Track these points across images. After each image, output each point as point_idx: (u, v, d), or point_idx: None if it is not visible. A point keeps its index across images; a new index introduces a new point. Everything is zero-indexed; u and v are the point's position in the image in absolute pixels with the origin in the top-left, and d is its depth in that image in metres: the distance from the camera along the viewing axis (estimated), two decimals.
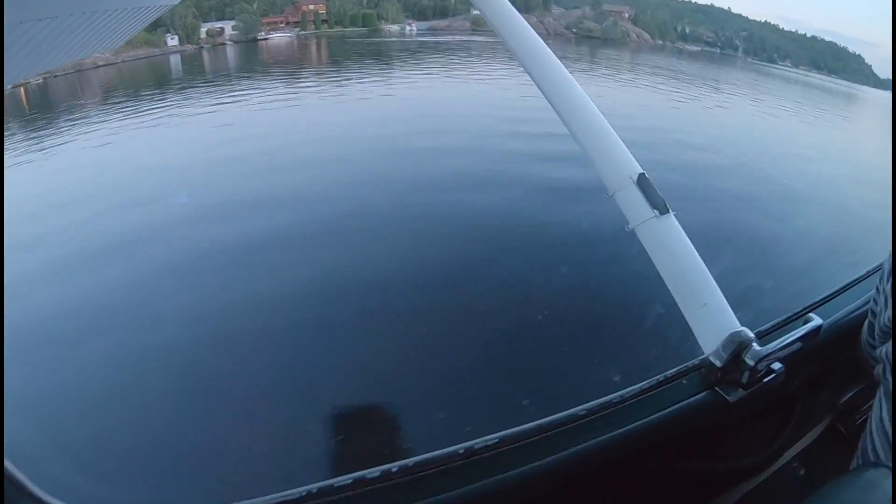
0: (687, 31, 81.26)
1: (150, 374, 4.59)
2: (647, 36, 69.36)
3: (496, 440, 1.01)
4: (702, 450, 1.24)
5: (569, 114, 1.87)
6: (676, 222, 1.73)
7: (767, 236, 8.35)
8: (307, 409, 4.20)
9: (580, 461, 1.02)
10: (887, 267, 1.03)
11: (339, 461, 3.74)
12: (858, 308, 1.45)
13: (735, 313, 1.42)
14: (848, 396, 1.54)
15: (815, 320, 1.26)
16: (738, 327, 1.66)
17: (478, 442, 1.01)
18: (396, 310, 5.33)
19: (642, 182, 1.76)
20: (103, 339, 4.88)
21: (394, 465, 0.98)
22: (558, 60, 1.93)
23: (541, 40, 1.98)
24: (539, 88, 1.91)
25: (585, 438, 1.03)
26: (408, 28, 57.35)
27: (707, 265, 1.64)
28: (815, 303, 1.53)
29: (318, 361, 4.73)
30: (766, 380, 1.15)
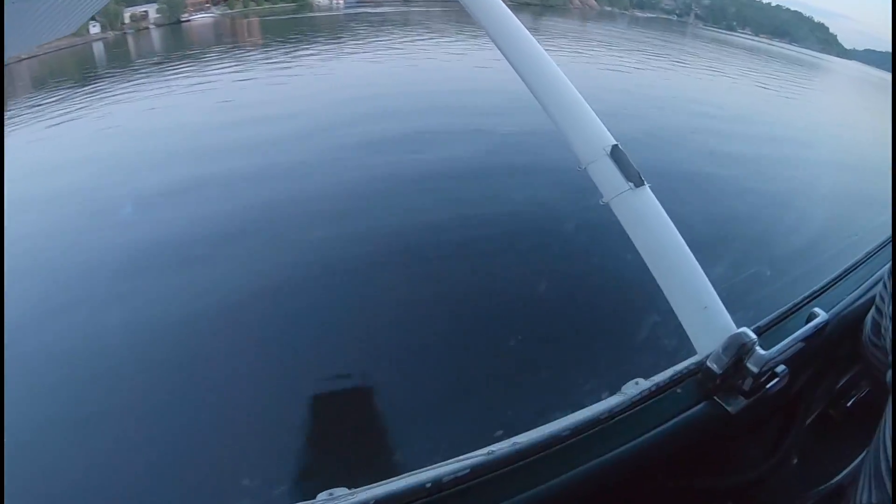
0: None
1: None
2: (592, 2, 67.84)
3: (467, 470, 0.90)
4: (701, 467, 1.12)
5: (538, 85, 1.79)
6: (652, 195, 1.66)
7: (752, 219, 8.24)
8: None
9: (565, 493, 0.89)
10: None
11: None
12: (860, 297, 1.34)
13: (726, 298, 1.32)
14: (842, 382, 1.44)
15: (821, 315, 1.16)
16: (723, 311, 1.59)
17: (446, 474, 0.89)
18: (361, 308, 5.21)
19: (616, 154, 1.69)
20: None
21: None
22: (527, 31, 1.86)
23: (509, 10, 1.90)
24: (507, 60, 1.83)
25: (570, 464, 0.91)
26: (335, 1, 55.09)
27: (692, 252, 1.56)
28: (815, 292, 1.41)
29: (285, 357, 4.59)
30: (769, 385, 1.04)
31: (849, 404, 1.39)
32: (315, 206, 7.44)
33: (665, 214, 1.64)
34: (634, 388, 2.89)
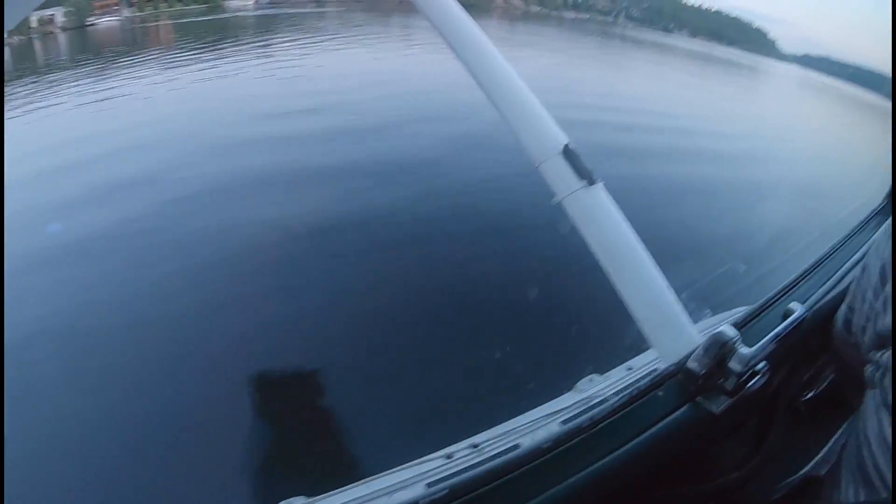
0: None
1: None
2: (516, 1, 67.92)
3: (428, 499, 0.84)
4: (688, 471, 1.11)
5: (489, 81, 1.78)
6: (606, 192, 1.67)
7: (707, 218, 8.39)
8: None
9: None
10: (875, 264, 0.94)
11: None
12: (831, 289, 1.37)
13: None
14: (808, 375, 1.47)
15: (798, 310, 1.17)
16: (674, 301, 1.60)
17: (407, 482, 0.83)
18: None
19: (568, 152, 1.69)
20: None
21: None
22: (476, 25, 1.84)
23: (459, 7, 1.87)
24: (455, 54, 1.81)
25: (553, 480, 0.87)
26: (245, 3, 53.34)
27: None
28: (787, 286, 1.44)
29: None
30: (750, 383, 1.04)
31: (811, 395, 1.42)
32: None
33: (618, 213, 1.65)
34: (589, 384, 2.91)
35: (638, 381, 1.12)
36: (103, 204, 7.28)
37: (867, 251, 1.46)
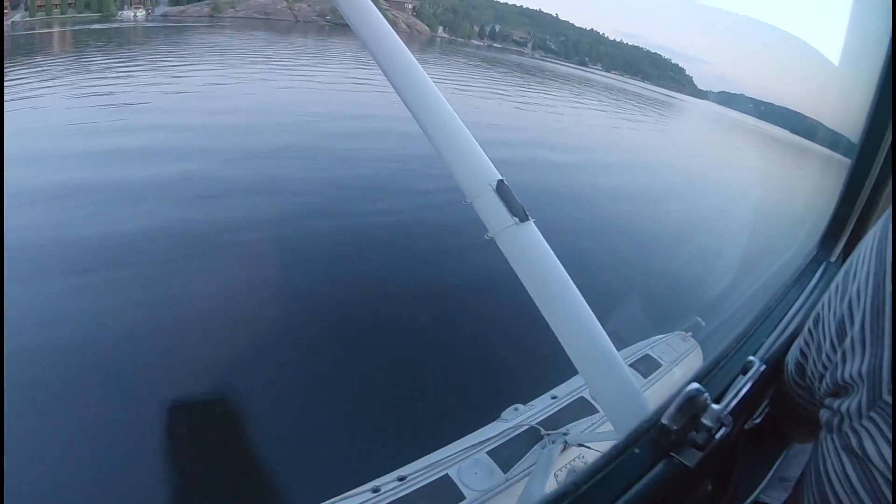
0: (497, 29, 79.41)
1: None
2: (422, 27, 66.79)
3: None
4: None
5: (426, 117, 1.80)
6: (536, 229, 1.71)
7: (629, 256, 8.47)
8: None
9: None
10: (829, 318, 1.01)
11: None
12: (778, 338, 1.42)
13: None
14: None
15: (756, 364, 1.20)
16: (601, 333, 1.66)
17: None
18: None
19: (501, 189, 1.71)
20: None
21: None
22: (417, 63, 1.86)
23: (400, 41, 1.90)
24: (395, 89, 1.82)
25: None
26: (137, 13, 51.15)
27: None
28: (740, 337, 1.50)
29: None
30: (717, 436, 1.06)
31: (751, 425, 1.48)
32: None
33: (549, 249, 1.69)
34: (514, 413, 2.94)
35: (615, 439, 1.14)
36: None
37: (813, 300, 1.57)
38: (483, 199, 1.71)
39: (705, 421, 1.03)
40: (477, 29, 76.92)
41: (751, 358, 1.21)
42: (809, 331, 1.06)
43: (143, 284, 5.50)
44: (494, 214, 1.69)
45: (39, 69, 19.38)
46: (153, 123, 11.59)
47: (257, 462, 3.56)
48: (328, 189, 8.70)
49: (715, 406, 1.03)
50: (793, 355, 1.14)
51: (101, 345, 4.58)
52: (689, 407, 1.03)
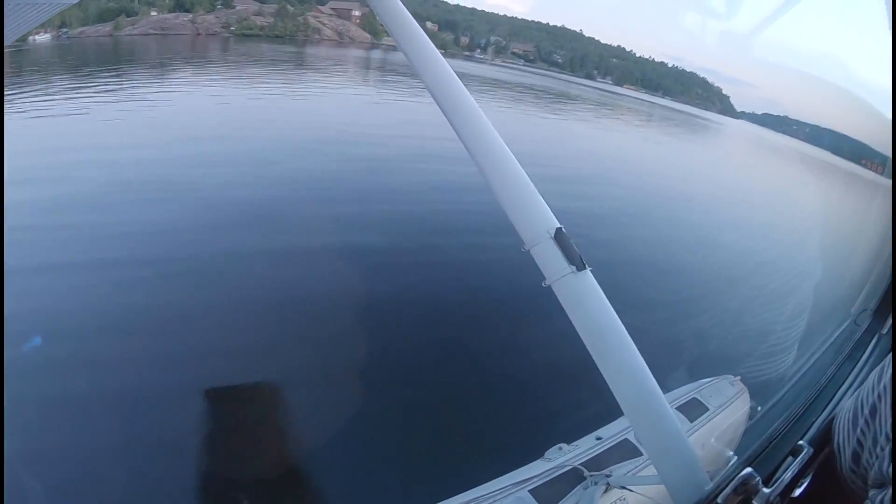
0: (490, 40, 73.04)
1: None
2: (358, 33, 57.46)
3: None
4: None
5: (488, 166, 1.83)
6: (593, 278, 1.73)
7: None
8: None
9: None
10: (886, 413, 1.03)
11: None
12: (825, 422, 1.43)
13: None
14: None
15: (805, 449, 1.26)
16: (654, 386, 1.67)
17: None
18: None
19: (559, 237, 1.74)
20: None
21: None
22: (478, 107, 1.90)
23: (462, 85, 1.94)
24: (458, 136, 1.87)
25: None
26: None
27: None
28: (790, 419, 1.52)
29: None
30: None
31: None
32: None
33: (605, 298, 1.70)
34: (558, 453, 2.93)
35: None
36: None
37: (863, 377, 1.57)
38: (541, 247, 1.74)
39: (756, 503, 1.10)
40: (466, 40, 70.47)
41: (801, 442, 1.25)
42: (867, 421, 1.08)
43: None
44: (552, 262, 1.71)
45: None
46: None
47: (302, 492, 3.63)
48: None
49: (766, 490, 1.11)
50: (849, 442, 1.15)
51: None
52: (742, 490, 1.11)
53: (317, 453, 3.84)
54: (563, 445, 2.80)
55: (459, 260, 7.75)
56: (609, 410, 2.80)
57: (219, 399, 4.21)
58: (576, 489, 2.56)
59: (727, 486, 1.13)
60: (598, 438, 2.84)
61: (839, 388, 1.55)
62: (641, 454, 2.73)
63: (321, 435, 3.94)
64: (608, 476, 2.62)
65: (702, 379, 3.50)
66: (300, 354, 4.96)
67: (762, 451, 1.35)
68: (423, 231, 8.70)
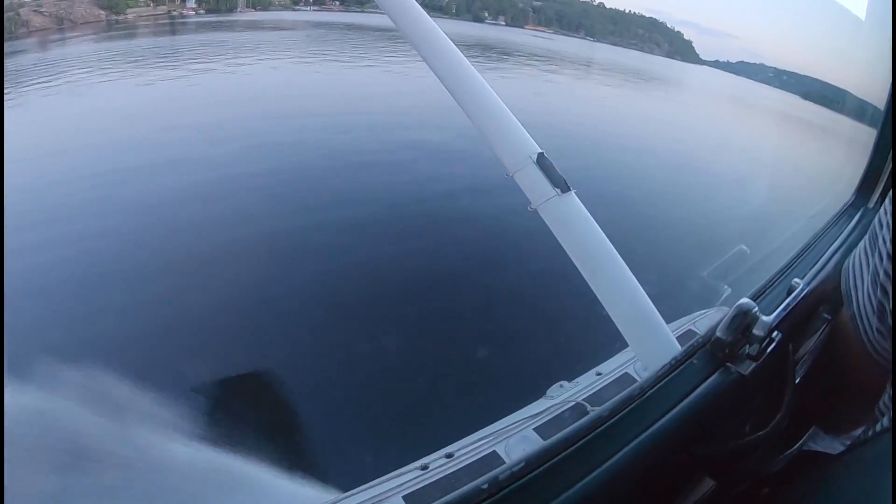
0: None
1: None
2: (87, 12, 37.54)
3: (521, 464, 0.89)
4: (723, 431, 1.22)
5: (464, 95, 1.82)
6: (578, 200, 1.73)
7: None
8: None
9: (621, 467, 0.91)
10: None
11: None
12: (824, 266, 1.53)
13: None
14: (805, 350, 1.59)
15: (800, 286, 1.30)
16: (651, 308, 1.68)
17: (501, 471, 0.88)
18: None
19: (542, 161, 1.73)
20: None
21: None
22: (451, 42, 1.88)
23: (433, 22, 1.92)
24: (432, 70, 1.84)
25: (620, 441, 0.95)
26: None
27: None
28: (787, 264, 1.58)
29: None
30: (769, 349, 1.15)
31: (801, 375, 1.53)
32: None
33: (591, 219, 1.71)
34: (560, 390, 2.95)
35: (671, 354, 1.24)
36: None
37: (851, 243, 1.65)
38: (524, 172, 1.73)
39: (757, 332, 1.10)
40: None
41: (795, 280, 1.31)
42: (886, 272, 1.03)
43: None
44: (536, 186, 1.72)
45: None
46: None
47: (305, 438, 3.68)
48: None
49: (765, 318, 1.10)
50: (870, 296, 1.12)
51: None
52: (742, 320, 1.11)
53: (323, 405, 3.91)
54: (564, 383, 2.82)
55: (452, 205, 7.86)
56: (608, 345, 2.83)
57: None
58: None
59: (724, 318, 1.13)
60: (599, 374, 2.86)
61: (827, 250, 1.61)
62: None
63: (324, 387, 4.01)
64: None
65: (696, 311, 3.53)
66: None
67: (759, 293, 1.41)
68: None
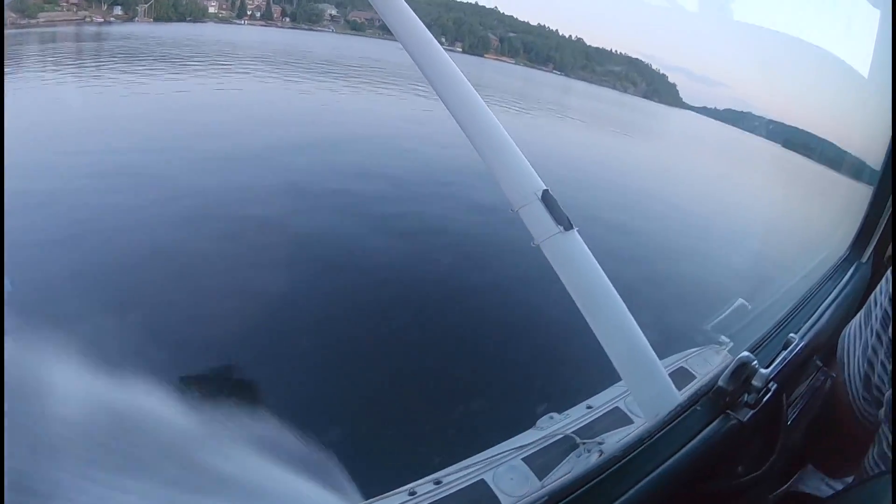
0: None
1: None
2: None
3: (545, 498, 0.97)
4: (721, 471, 1.29)
5: (473, 128, 1.87)
6: (580, 238, 1.77)
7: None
8: None
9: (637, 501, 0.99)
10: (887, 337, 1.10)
11: None
12: (817, 321, 1.61)
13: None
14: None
15: (795, 340, 1.37)
16: (645, 344, 1.72)
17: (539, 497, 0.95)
18: None
19: (546, 198, 1.78)
20: None
21: None
22: (462, 74, 1.93)
23: (444, 53, 1.97)
24: (443, 102, 1.89)
25: (635, 476, 1.02)
26: None
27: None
28: (783, 320, 1.66)
29: None
30: (765, 399, 1.23)
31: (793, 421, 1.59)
32: None
33: (593, 258, 1.75)
34: (549, 422, 2.97)
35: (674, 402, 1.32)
36: None
37: (845, 296, 1.73)
38: (529, 209, 1.77)
39: (756, 383, 1.20)
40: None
41: (791, 335, 1.40)
42: (872, 346, 1.12)
43: None
44: (540, 223, 1.76)
45: None
46: None
47: (290, 459, 3.63)
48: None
49: (763, 370, 1.20)
50: (861, 369, 1.20)
51: None
52: (742, 371, 1.21)
53: (310, 428, 3.87)
54: (555, 414, 2.84)
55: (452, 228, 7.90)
56: (599, 378, 2.85)
57: None
58: (569, 457, 2.60)
59: (725, 370, 1.23)
60: (589, 407, 2.88)
61: (822, 303, 1.70)
62: (633, 422, 2.78)
63: (310, 410, 3.98)
64: (601, 444, 2.66)
65: (688, 349, 3.56)
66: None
67: (756, 346, 1.49)
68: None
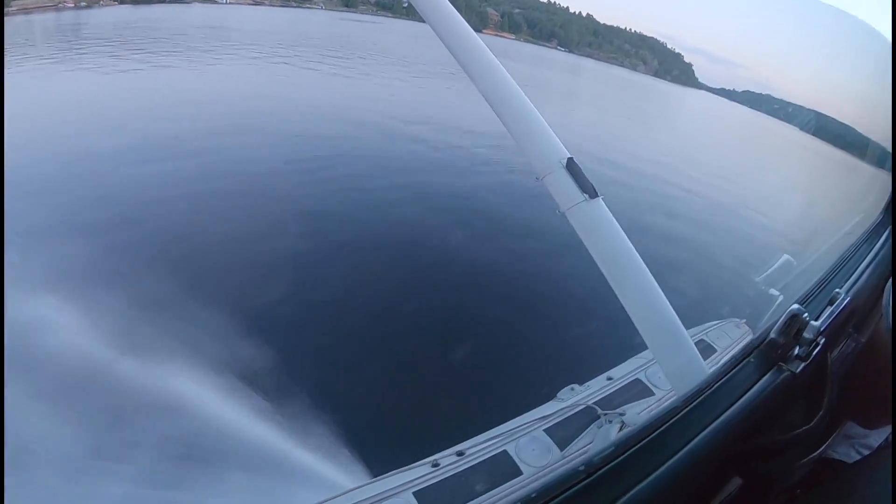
0: None
1: None
2: None
3: (611, 448, 0.96)
4: (774, 424, 1.30)
5: (498, 99, 1.86)
6: (605, 206, 1.76)
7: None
8: None
9: (693, 455, 0.98)
10: None
11: None
12: (861, 275, 1.61)
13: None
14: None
15: (842, 296, 1.37)
16: (672, 314, 1.72)
17: (596, 454, 0.95)
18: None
19: (571, 166, 1.77)
20: None
21: None
22: (486, 47, 1.92)
23: (469, 28, 1.96)
24: (468, 75, 1.89)
25: (689, 432, 1.02)
26: None
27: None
28: (828, 274, 1.67)
29: None
30: (815, 352, 1.22)
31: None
32: None
33: (617, 224, 1.74)
34: (570, 393, 2.98)
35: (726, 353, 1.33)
36: None
37: (882, 257, 1.73)
38: (554, 177, 1.77)
39: (807, 335, 1.18)
40: None
41: (837, 290, 1.40)
42: None
43: None
44: (565, 191, 1.76)
45: None
46: None
47: (321, 436, 3.69)
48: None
49: (814, 323, 1.18)
50: None
51: None
52: (794, 323, 1.19)
53: (340, 402, 3.91)
54: (575, 386, 2.85)
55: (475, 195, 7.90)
56: (620, 350, 2.85)
57: None
58: (590, 427, 2.61)
59: (776, 321, 1.21)
60: (609, 378, 2.89)
61: (861, 262, 1.70)
62: (653, 393, 2.79)
63: (340, 384, 4.02)
64: (622, 415, 2.67)
65: (708, 322, 3.55)
66: None
67: (804, 300, 1.49)
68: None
